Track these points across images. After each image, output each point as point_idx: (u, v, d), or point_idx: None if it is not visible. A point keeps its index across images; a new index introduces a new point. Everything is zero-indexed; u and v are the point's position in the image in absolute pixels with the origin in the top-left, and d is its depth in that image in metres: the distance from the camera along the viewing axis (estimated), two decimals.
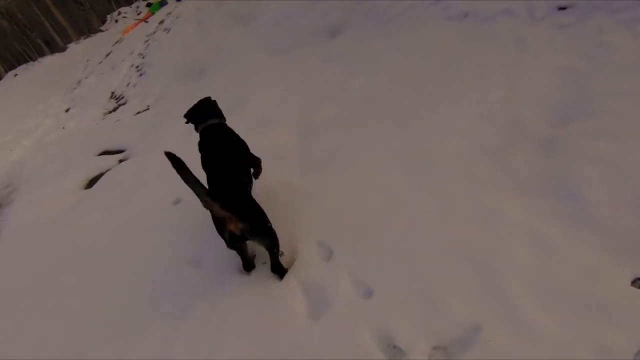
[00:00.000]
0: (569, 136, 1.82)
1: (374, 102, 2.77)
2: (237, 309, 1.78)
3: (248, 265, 1.94)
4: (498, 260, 1.47)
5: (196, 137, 2.13)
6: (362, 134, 2.52)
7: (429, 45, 3.03)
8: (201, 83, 5.22)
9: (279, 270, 1.83)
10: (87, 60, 12.23)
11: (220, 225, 1.67)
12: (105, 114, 6.88)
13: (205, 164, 1.93)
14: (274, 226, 1.76)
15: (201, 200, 1.55)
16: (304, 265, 1.83)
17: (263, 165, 2.24)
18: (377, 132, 2.46)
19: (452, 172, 1.93)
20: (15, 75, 18.03)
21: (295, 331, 1.57)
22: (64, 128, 7.12)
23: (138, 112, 5.72)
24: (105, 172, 4.15)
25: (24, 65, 19.04)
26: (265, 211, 1.78)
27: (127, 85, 7.63)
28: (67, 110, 8.61)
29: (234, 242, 1.72)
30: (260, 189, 2.50)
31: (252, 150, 2.18)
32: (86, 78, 10.35)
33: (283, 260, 1.84)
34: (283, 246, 1.80)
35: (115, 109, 6.82)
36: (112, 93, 7.97)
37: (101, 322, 2.13)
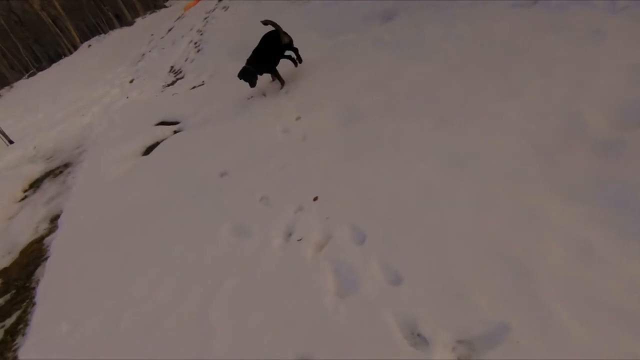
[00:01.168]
0: (637, 139, 1.66)
1: (421, 91, 2.69)
2: (270, 281, 1.89)
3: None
4: (535, 263, 1.42)
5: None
6: (405, 124, 2.47)
7: (488, 35, 2.85)
8: None
9: (298, 55, 4.00)
10: (152, 35, 12.99)
11: (279, 44, 3.81)
12: (164, 86, 7.32)
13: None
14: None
15: (282, 32, 3.80)
16: (337, 246, 1.89)
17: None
18: (420, 123, 2.40)
19: (495, 169, 1.85)
20: (89, 46, 19.63)
21: (321, 307, 1.63)
22: (127, 97, 7.70)
23: (193, 87, 6.02)
24: (162, 141, 4.48)
25: (96, 37, 20.64)
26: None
27: (186, 61, 8.02)
28: (131, 81, 9.28)
29: (286, 48, 3.88)
30: (297, 172, 2.58)
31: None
32: (149, 52, 11.03)
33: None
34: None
35: (173, 83, 7.22)
36: (172, 67, 8.44)
37: (144, 277, 2.36)
